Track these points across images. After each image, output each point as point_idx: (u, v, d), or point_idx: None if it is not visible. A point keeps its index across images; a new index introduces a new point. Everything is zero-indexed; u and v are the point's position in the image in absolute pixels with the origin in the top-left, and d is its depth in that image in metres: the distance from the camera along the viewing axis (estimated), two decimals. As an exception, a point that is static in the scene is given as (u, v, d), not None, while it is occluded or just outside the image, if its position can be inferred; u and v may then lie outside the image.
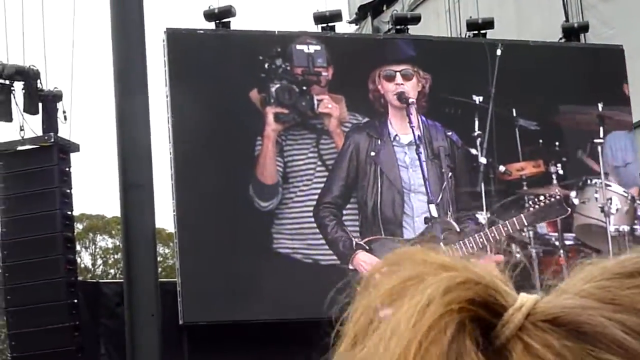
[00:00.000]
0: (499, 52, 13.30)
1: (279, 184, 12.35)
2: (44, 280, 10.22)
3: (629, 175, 13.38)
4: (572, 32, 13.41)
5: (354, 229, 12.43)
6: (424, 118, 12.69)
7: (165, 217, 11.41)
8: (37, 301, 10.18)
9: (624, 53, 13.47)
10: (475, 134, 13.00)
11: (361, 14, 19.15)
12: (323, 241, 12.23)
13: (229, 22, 12.15)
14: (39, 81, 11.07)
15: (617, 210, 13.07)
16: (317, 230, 12.31)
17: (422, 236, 12.20)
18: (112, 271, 36.06)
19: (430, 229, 12.49)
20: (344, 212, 12.35)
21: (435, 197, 12.55)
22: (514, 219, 12.65)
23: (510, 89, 13.20)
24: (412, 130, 12.70)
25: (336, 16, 12.66)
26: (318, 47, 12.84)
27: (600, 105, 13.56)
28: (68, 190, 10.62)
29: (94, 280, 17.12)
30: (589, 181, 13.22)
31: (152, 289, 9.72)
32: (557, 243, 12.98)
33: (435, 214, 12.60)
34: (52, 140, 10.66)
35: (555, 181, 13.16)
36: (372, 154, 12.52)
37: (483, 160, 13.02)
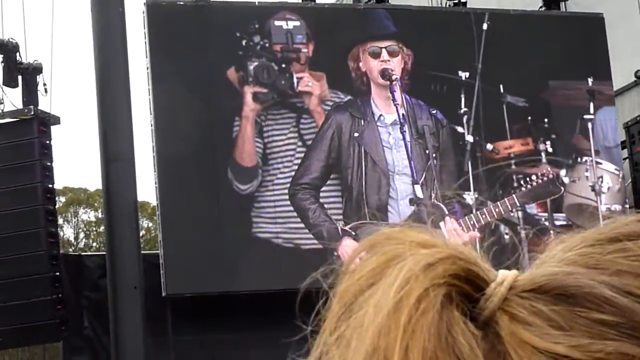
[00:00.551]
0: (485, 26, 12.86)
1: (259, 166, 11.95)
2: (26, 254, 10.21)
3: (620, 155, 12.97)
4: (552, 0, 13.31)
5: (336, 212, 12.01)
6: (407, 96, 12.25)
7: (150, 190, 11.36)
8: (19, 274, 10.16)
9: (604, 22, 13.11)
10: (462, 111, 12.59)
11: None
12: (304, 225, 11.81)
13: None
14: (18, 54, 11.02)
15: (608, 189, 12.68)
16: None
17: (408, 220, 11.80)
18: (94, 244, 36.33)
19: (417, 212, 12.08)
20: (324, 194, 11.91)
21: (419, 177, 12.12)
22: (506, 199, 12.27)
23: (498, 64, 12.79)
24: (397, 108, 12.27)
25: None
26: (297, 23, 12.39)
27: (590, 80, 13.16)
28: (49, 163, 10.58)
29: (77, 253, 17.15)
30: (579, 159, 12.83)
31: (135, 261, 9.72)
32: (547, 223, 12.58)
33: (420, 194, 12.18)
34: (32, 113, 10.60)
35: (544, 159, 12.76)
36: (356, 134, 12.11)
37: (470, 138, 12.61)
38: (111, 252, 9.87)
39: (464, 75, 12.66)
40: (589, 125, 12.97)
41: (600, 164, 12.74)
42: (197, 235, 11.00)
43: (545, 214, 12.62)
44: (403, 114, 12.27)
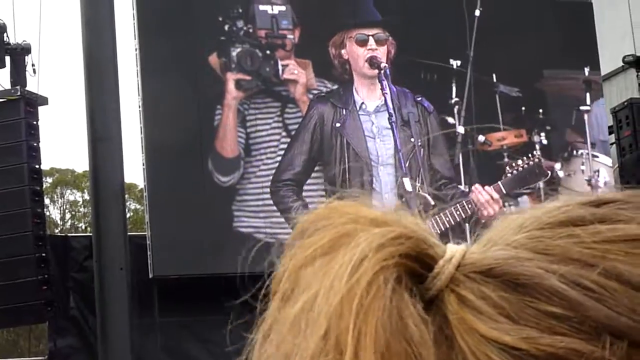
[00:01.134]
0: (477, 12, 12.38)
1: (241, 157, 11.53)
2: (12, 234, 10.21)
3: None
4: None
5: (321, 206, 11.51)
6: (391, 85, 11.77)
7: (138, 172, 11.33)
8: (5, 255, 10.17)
9: (592, 8, 12.78)
10: (453, 101, 12.18)
11: None
12: (286, 221, 11.36)
13: None
14: (5, 35, 10.98)
15: (604, 183, 12.26)
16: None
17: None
18: (81, 225, 36.36)
19: (405, 205, 11.58)
20: (308, 188, 11.46)
21: (407, 170, 11.67)
22: (491, 186, 11.82)
23: (490, 52, 12.33)
24: (385, 98, 11.82)
25: None
26: (283, 8, 11.93)
27: (586, 70, 12.74)
28: (35, 144, 10.59)
29: (63, 234, 17.15)
30: (574, 152, 12.42)
31: (121, 242, 9.75)
32: (540, 219, 12.10)
33: (409, 188, 11.70)
34: (19, 93, 10.59)
35: (538, 152, 12.30)
36: (337, 125, 11.68)
37: (461, 129, 12.16)
38: (98, 233, 9.87)
39: (455, 63, 12.26)
40: (585, 117, 12.56)
41: (597, 157, 12.33)
42: (184, 218, 10.82)
43: (539, 209, 12.15)
44: (392, 104, 11.80)
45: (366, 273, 0.61)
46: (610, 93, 13.17)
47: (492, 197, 11.72)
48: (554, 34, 12.64)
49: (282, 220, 11.43)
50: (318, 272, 0.63)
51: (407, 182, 11.73)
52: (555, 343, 0.59)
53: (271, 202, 11.46)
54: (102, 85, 10.06)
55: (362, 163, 11.70)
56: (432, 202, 11.79)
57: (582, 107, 12.62)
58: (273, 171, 11.52)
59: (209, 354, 10.87)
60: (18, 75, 10.89)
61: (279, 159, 11.57)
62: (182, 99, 11.27)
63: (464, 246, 0.65)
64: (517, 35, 12.49)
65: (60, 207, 37.96)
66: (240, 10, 11.72)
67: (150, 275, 10.58)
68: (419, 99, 11.99)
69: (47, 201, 14.26)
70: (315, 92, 11.82)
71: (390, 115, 11.75)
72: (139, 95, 11.01)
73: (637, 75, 12.99)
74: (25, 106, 10.56)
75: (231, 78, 11.56)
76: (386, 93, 11.80)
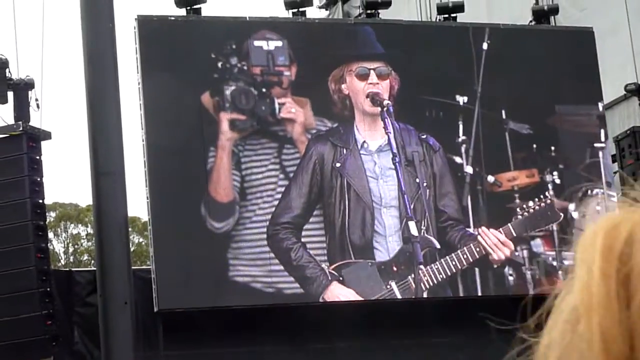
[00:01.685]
0: (485, 45, 11.79)
1: (236, 202, 10.96)
2: (16, 269, 10.28)
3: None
4: (542, 14, 12.75)
5: (320, 252, 10.92)
6: (394, 122, 11.17)
7: (140, 206, 11.39)
8: (9, 290, 10.23)
9: (594, 36, 12.31)
10: (460, 139, 11.59)
11: (331, 0, 18.94)
12: (284, 268, 10.73)
13: (200, 8, 11.39)
14: (7, 70, 11.11)
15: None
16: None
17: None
18: (84, 259, 36.91)
19: (408, 249, 11.00)
20: (307, 233, 10.85)
21: (412, 212, 11.04)
22: (501, 229, 11.18)
23: (499, 87, 11.79)
24: (389, 137, 11.21)
25: (307, 1, 11.92)
26: (279, 43, 11.36)
27: (600, 105, 12.13)
28: (38, 179, 10.66)
29: (67, 269, 17.27)
30: (589, 192, 11.78)
31: (125, 276, 9.77)
32: (554, 263, 11.44)
33: (415, 232, 11.06)
34: (21, 129, 10.73)
35: (551, 192, 11.64)
36: (338, 165, 11.12)
37: (469, 169, 11.52)
38: (101, 268, 9.84)
39: (462, 99, 11.69)
40: (600, 154, 11.93)
41: (613, 196, 11.64)
42: (188, 252, 10.62)
43: (553, 253, 11.51)
44: (395, 143, 11.19)
45: None
46: (613, 121, 12.86)
47: (499, 240, 11.10)
48: (565, 67, 12.04)
49: (281, 268, 10.81)
50: None
51: (412, 225, 11.09)
52: None
53: (268, 249, 10.82)
54: (105, 119, 10.09)
55: (363, 204, 11.08)
56: (438, 246, 11.18)
57: (596, 144, 12.03)
58: (269, 216, 10.90)
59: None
60: (21, 111, 10.96)
61: (276, 202, 10.99)
62: (186, 131, 10.97)
63: None
64: (526, 69, 11.92)
65: (63, 241, 38.23)
66: (234, 47, 11.21)
67: (155, 309, 10.43)
68: (424, 136, 11.43)
69: (50, 235, 14.30)
70: (314, 131, 11.23)
71: (394, 155, 11.15)
72: (142, 128, 10.84)
73: (639, 104, 12.75)
74: (27, 141, 10.67)
75: (225, 118, 11.04)
76: (389, 132, 11.21)
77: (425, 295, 10.94)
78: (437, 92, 11.58)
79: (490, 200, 11.51)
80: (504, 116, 11.76)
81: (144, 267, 12.97)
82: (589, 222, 0.78)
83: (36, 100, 11.15)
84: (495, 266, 11.26)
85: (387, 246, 11.10)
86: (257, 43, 11.32)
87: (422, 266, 10.94)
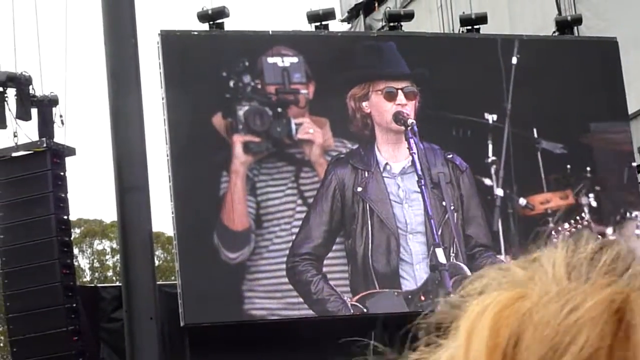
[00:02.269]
0: (514, 59, 11.12)
1: (251, 230, 10.40)
2: (42, 286, 10.40)
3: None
4: (566, 25, 12.61)
5: (342, 282, 10.23)
6: (418, 142, 10.53)
7: (162, 220, 11.49)
8: (36, 306, 10.35)
9: (617, 45, 11.89)
10: (489, 160, 11.03)
11: (353, 13, 19.05)
12: (304, 301, 10.06)
13: (223, 22, 11.16)
14: (31, 87, 11.28)
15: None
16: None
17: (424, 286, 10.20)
18: (109, 274, 37.31)
19: (436, 277, 10.32)
20: (328, 262, 10.17)
21: (439, 238, 10.37)
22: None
23: (530, 104, 11.20)
24: (413, 158, 10.55)
25: (329, 14, 11.72)
26: (295, 60, 10.75)
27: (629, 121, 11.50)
28: (63, 195, 10.79)
29: (93, 285, 18.32)
30: (628, 214, 11.13)
31: (151, 291, 9.74)
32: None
33: (443, 259, 10.38)
34: (45, 145, 10.85)
35: (587, 215, 10.95)
36: (359, 189, 10.53)
37: (499, 192, 10.85)
38: (127, 283, 9.85)
39: (491, 118, 11.16)
40: (638, 174, 11.24)
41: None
42: (213, 267, 10.30)
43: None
44: (420, 165, 10.51)
45: None
46: (637, 131, 12.61)
47: None
48: (596, 81, 11.39)
49: (300, 300, 10.13)
50: None
51: (439, 252, 10.41)
52: None
53: (286, 280, 10.14)
54: (129, 134, 10.05)
55: (388, 231, 10.40)
56: (469, 273, 10.48)
57: (634, 164, 11.37)
58: (289, 244, 10.31)
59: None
60: (45, 127, 11.09)
61: (294, 230, 10.38)
62: (211, 143, 10.62)
63: None
64: (557, 84, 11.28)
65: (88, 257, 38.90)
66: (247, 64, 10.70)
67: (182, 324, 10.24)
68: (450, 156, 10.87)
69: (75, 251, 14.65)
70: (334, 153, 10.56)
71: (419, 177, 10.48)
72: (166, 143, 10.60)
73: None
74: (52, 157, 10.78)
75: (238, 140, 10.51)
76: (414, 153, 10.58)
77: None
78: (464, 110, 11.01)
79: (522, 224, 10.81)
80: (535, 135, 11.24)
81: (168, 282, 13.22)
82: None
83: (60, 116, 11.28)
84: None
85: (415, 274, 10.44)
86: (271, 60, 10.73)
87: (451, 295, 10.23)
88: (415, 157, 10.60)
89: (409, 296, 10.41)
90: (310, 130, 10.63)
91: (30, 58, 12.33)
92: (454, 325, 0.73)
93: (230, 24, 11.19)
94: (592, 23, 13.77)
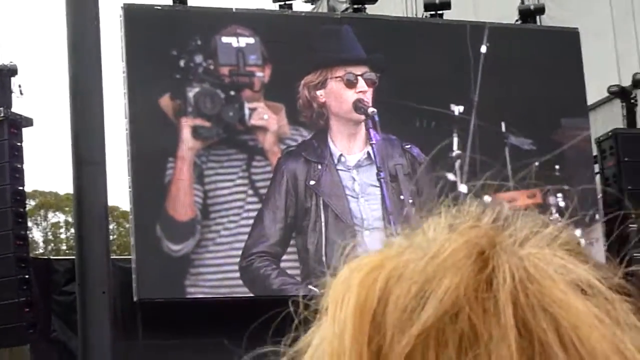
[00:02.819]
0: (484, 48, 10.57)
1: (197, 220, 9.86)
2: None
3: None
4: (529, 13, 12.56)
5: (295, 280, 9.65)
6: (375, 133, 10.03)
7: (117, 195, 11.43)
8: None
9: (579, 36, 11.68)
10: (454, 154, 10.45)
11: None
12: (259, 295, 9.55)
13: None
14: None
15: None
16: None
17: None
18: (63, 247, 37.36)
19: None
20: (283, 264, 9.60)
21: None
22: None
23: (499, 96, 10.71)
24: (373, 148, 9.97)
25: None
26: (251, 40, 10.19)
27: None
28: (19, 166, 10.68)
29: (46, 257, 17.71)
30: (597, 216, 10.57)
31: (104, 265, 9.62)
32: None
33: (401, 258, 9.75)
34: (3, 115, 10.68)
35: (555, 215, 10.34)
36: (312, 182, 10.00)
37: (464, 188, 10.06)
38: (80, 256, 9.71)
39: (457, 109, 10.63)
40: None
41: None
42: (158, 256, 10.02)
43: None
44: (379, 157, 9.95)
45: None
46: (596, 123, 12.49)
47: None
48: (575, 75, 10.89)
49: (251, 296, 9.57)
50: None
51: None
52: None
53: (236, 275, 9.56)
54: (88, 108, 9.89)
55: (344, 227, 9.83)
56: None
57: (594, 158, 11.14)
58: (237, 237, 9.74)
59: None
60: (3, 96, 10.99)
61: (244, 222, 9.86)
62: (169, 119, 10.25)
63: None
64: (529, 76, 10.79)
65: (43, 230, 39.13)
66: (200, 42, 10.16)
67: (135, 299, 10.04)
68: (408, 146, 10.39)
69: (29, 223, 14.97)
70: (289, 141, 10.02)
71: (378, 170, 9.88)
72: (125, 117, 10.27)
73: (622, 106, 12.50)
74: (9, 127, 10.63)
75: (187, 124, 9.98)
76: (373, 144, 10.00)
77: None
78: (428, 100, 10.53)
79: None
80: (503, 129, 10.77)
81: (122, 256, 13.20)
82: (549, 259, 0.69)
83: (19, 86, 11.24)
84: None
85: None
86: (225, 39, 10.17)
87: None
88: (375, 148, 10.03)
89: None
90: (265, 116, 10.11)
91: (-9, 29, 12.35)
92: (324, 300, 0.71)
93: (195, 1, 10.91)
94: (554, 13, 13.67)
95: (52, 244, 38.95)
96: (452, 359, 0.64)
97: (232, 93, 10.08)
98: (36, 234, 37.49)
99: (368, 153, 10.13)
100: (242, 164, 9.99)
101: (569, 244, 0.74)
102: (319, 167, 10.05)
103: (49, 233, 39.40)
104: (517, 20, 12.29)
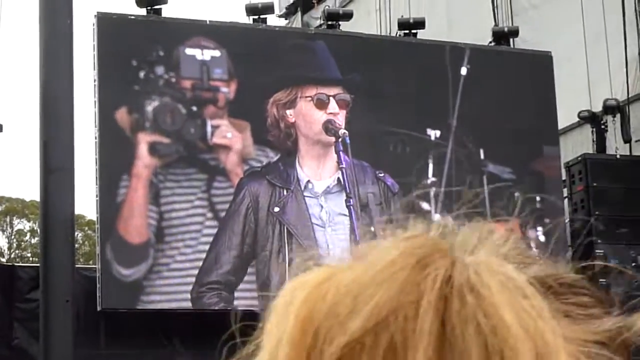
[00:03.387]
0: (463, 70, 10.08)
1: (150, 244, 9.37)
2: None
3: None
4: (502, 35, 12.58)
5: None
6: (345, 156, 9.59)
7: (84, 203, 11.34)
8: None
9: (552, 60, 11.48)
10: (429, 181, 10.01)
11: (291, 9, 19.09)
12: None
13: (160, 9, 10.63)
14: None
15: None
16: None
17: None
18: (28, 255, 37.49)
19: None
20: (239, 295, 9.07)
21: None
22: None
23: (478, 121, 10.26)
24: (343, 172, 9.54)
25: (268, 8, 11.51)
26: (216, 53, 9.76)
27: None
28: None
29: (10, 264, 17.65)
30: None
31: (69, 274, 9.45)
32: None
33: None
34: None
35: (534, 251, 9.83)
36: (276, 209, 9.52)
37: (438, 218, 9.63)
38: (45, 264, 9.56)
39: (433, 134, 10.19)
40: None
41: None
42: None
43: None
44: (349, 182, 9.42)
45: None
46: (566, 147, 12.60)
47: None
48: (546, 100, 10.51)
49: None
50: None
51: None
52: None
53: (189, 305, 8.98)
54: (57, 116, 9.70)
55: (308, 258, 9.25)
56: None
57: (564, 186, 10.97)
58: (193, 263, 9.20)
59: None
60: None
61: (201, 247, 9.42)
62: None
63: None
64: (511, 101, 10.31)
65: (7, 236, 39.14)
66: (162, 53, 9.74)
67: (99, 308, 9.88)
68: (382, 175, 9.97)
69: None
70: (253, 162, 9.53)
71: (348, 197, 9.34)
72: (95, 125, 10.02)
73: (592, 131, 12.60)
74: None
75: (144, 140, 9.55)
76: (343, 167, 9.48)
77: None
78: (404, 124, 10.06)
79: (461, 256, 9.76)
80: (482, 156, 10.33)
81: (87, 265, 13.08)
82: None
83: None
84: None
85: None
86: (189, 51, 9.70)
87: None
88: (345, 172, 9.50)
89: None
90: (228, 135, 9.66)
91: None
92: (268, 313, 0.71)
93: (169, 12, 10.60)
94: (528, 35, 13.75)
95: (17, 251, 39.31)
96: None
97: (194, 108, 9.64)
98: (1, 241, 38.27)
99: (338, 179, 9.70)
100: (201, 184, 9.52)
101: (517, 249, 0.74)
102: (285, 192, 9.63)
103: (14, 240, 39.67)
104: (490, 42, 12.29)
